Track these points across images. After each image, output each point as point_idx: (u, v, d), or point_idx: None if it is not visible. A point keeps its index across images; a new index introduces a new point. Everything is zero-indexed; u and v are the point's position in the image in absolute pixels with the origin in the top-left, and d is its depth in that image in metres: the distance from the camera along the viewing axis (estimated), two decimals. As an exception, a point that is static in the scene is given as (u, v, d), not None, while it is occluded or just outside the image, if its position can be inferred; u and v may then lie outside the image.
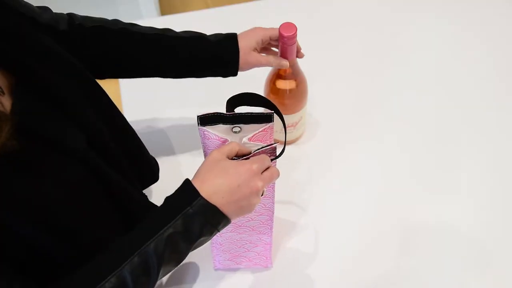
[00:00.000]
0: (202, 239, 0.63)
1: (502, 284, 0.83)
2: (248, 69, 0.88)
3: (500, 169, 0.97)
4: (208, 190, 0.62)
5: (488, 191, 0.94)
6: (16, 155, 0.56)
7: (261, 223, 0.76)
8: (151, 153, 0.90)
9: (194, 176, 0.65)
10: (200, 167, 0.65)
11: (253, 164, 0.63)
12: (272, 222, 0.76)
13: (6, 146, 0.53)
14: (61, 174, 0.62)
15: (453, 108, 1.08)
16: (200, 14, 1.31)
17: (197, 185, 0.62)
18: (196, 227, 0.62)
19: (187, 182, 0.63)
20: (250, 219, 0.75)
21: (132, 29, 0.85)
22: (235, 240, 0.78)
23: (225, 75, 0.88)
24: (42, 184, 0.59)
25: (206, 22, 1.26)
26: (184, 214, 0.61)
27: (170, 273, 0.84)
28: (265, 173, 0.65)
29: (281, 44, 0.84)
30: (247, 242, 0.79)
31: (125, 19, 0.87)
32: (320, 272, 0.85)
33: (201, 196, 0.61)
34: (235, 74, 0.88)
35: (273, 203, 0.73)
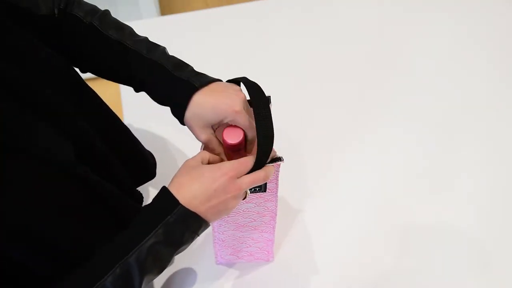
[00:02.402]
0: (183, 246, 0.63)
1: (502, 284, 0.83)
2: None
3: (500, 169, 0.97)
4: (185, 196, 0.61)
5: (488, 191, 0.94)
6: None
7: (263, 223, 0.76)
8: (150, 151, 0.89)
9: (170, 182, 0.64)
10: (176, 173, 0.65)
11: (230, 168, 0.62)
12: (275, 222, 0.76)
13: None
14: (41, 186, 0.58)
15: (453, 108, 1.08)
16: (200, 14, 1.31)
17: (174, 192, 0.61)
18: (178, 234, 0.61)
19: (165, 190, 0.62)
20: (253, 220, 0.75)
21: (110, 35, 0.75)
22: (237, 237, 0.79)
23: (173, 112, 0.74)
24: (8, 196, 0.54)
25: (206, 22, 1.27)
26: (164, 223, 0.60)
27: (170, 269, 0.84)
28: (245, 177, 0.63)
29: (224, 147, 0.69)
30: (249, 239, 0.79)
31: (125, 19, 0.87)
32: (320, 269, 0.85)
33: (181, 205, 0.60)
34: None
35: (276, 206, 0.73)
